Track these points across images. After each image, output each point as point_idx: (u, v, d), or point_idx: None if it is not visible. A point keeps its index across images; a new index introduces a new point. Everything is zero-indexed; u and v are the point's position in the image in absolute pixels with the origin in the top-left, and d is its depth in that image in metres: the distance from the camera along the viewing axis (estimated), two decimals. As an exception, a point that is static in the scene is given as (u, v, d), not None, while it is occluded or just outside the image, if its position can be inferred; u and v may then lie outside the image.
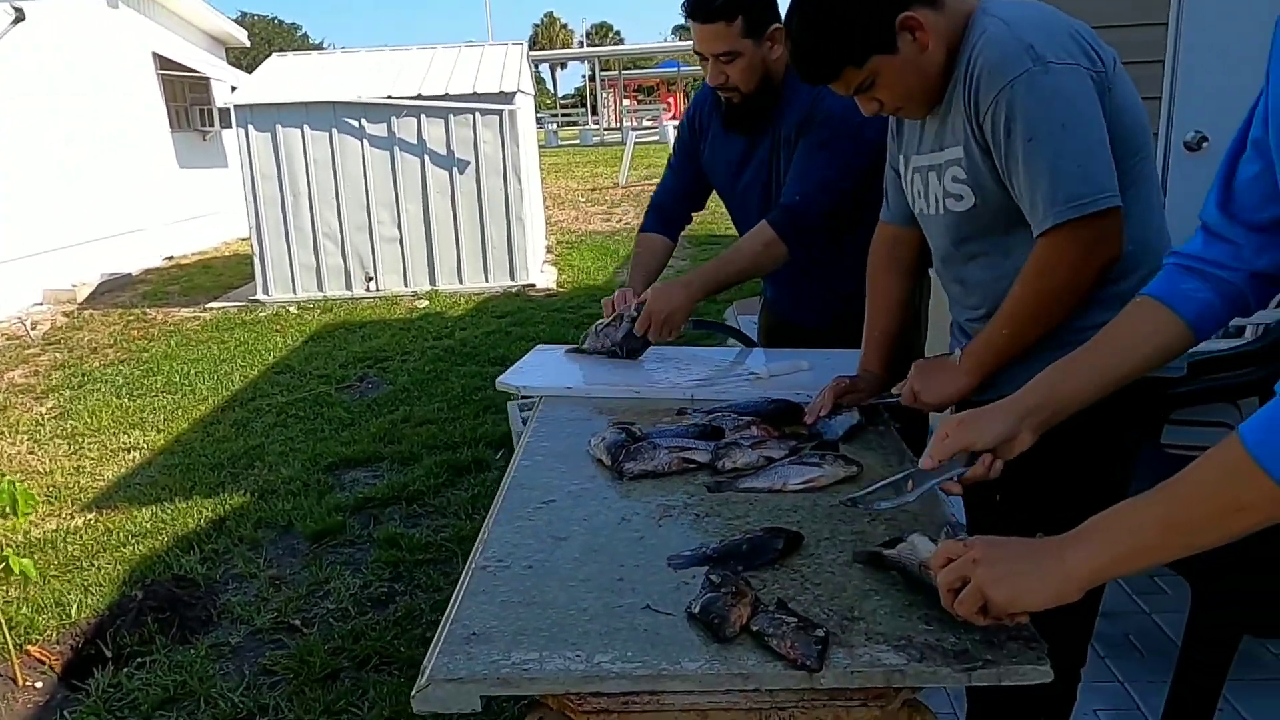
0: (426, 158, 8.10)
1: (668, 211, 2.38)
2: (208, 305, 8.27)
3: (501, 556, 1.27)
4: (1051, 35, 1.35)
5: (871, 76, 1.42)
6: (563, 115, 47.03)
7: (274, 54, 9.45)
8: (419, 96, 7.98)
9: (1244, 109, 1.11)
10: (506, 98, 8.02)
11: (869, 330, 1.77)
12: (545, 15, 72.78)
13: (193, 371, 6.06)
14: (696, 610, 1.09)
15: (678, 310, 2.04)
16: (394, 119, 7.99)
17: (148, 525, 3.68)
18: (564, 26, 69.62)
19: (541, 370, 2.12)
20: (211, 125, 12.65)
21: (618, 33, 75.46)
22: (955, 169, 1.49)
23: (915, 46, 1.40)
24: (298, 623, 2.90)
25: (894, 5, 1.38)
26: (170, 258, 11.09)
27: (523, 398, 1.99)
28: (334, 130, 7.97)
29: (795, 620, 1.04)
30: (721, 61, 1.99)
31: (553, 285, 8.37)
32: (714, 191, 2.37)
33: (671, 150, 2.40)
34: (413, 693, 1.00)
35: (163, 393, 5.64)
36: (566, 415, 1.86)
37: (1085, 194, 1.33)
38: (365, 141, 8.03)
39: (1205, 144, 3.30)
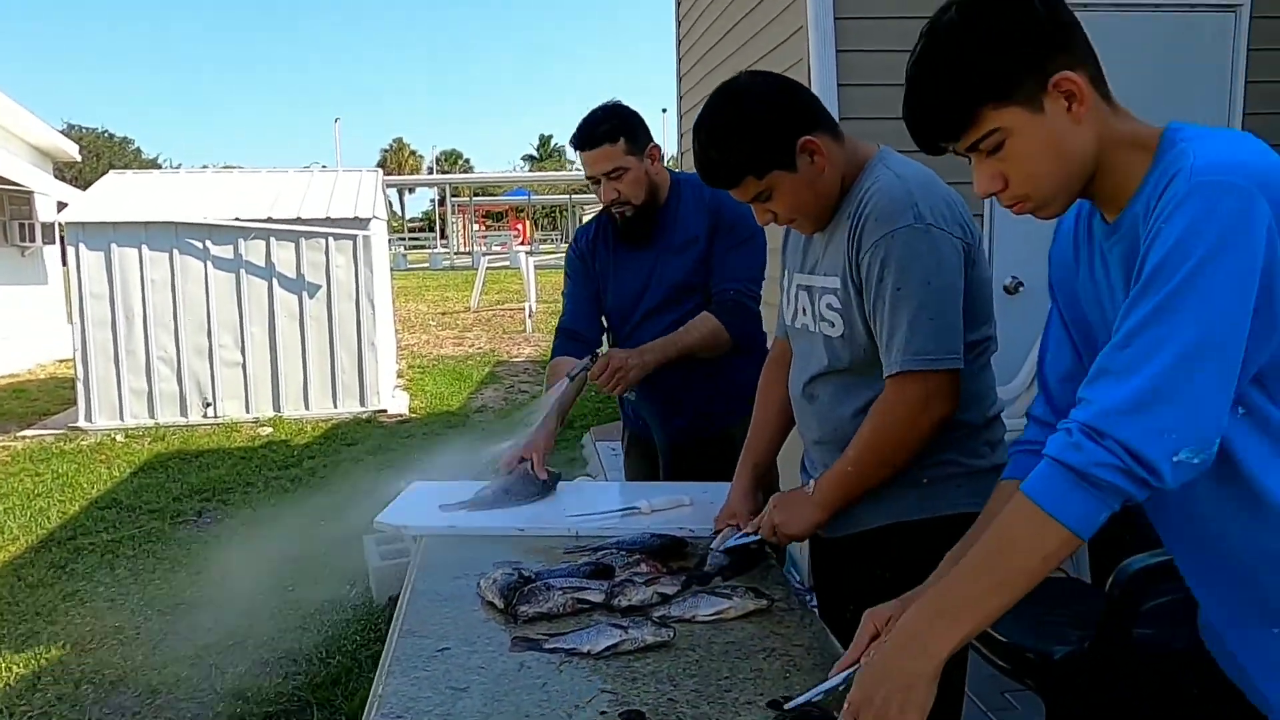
0: (275, 281, 7.90)
1: (580, 335, 2.43)
2: (19, 434, 7.59)
3: (400, 712, 1.23)
4: (935, 200, 1.51)
5: (769, 189, 1.55)
6: (410, 239, 46.98)
7: (111, 171, 9.09)
8: (269, 220, 7.83)
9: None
10: (361, 223, 7.99)
11: (746, 453, 1.85)
12: (394, 140, 73.42)
13: (1, 508, 5.50)
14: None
15: (634, 369, 2.17)
16: (241, 241, 7.78)
17: (-55, 687, 3.27)
18: (413, 153, 70.37)
19: (420, 508, 2.08)
20: (32, 241, 11.89)
21: (466, 160, 76.77)
22: (830, 297, 1.61)
23: (813, 168, 1.54)
24: (128, 794, 2.62)
25: (798, 128, 1.52)
26: (-25, 381, 10.18)
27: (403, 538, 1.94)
28: (174, 251, 7.68)
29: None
30: (612, 179, 2.23)
31: (405, 410, 8.19)
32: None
33: (566, 282, 2.50)
34: None
35: (-36, 533, 5.08)
36: (451, 556, 1.83)
37: (933, 351, 1.48)
38: (209, 263, 7.76)
39: (1021, 288, 3.68)
